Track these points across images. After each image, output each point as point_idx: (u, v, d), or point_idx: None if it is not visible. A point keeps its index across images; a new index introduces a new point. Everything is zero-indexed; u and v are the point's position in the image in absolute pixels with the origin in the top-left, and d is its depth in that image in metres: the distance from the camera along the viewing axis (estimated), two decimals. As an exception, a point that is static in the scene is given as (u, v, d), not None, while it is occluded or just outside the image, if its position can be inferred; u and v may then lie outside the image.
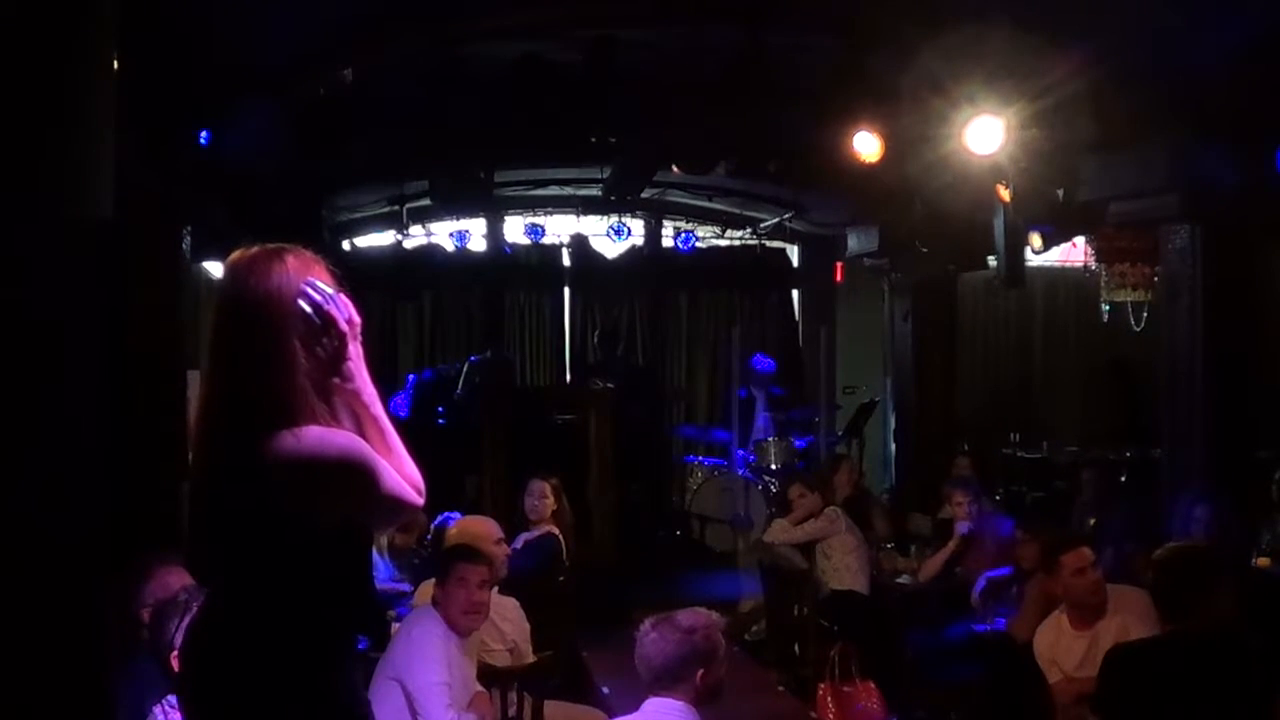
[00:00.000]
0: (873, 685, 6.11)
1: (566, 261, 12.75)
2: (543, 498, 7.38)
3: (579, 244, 12.63)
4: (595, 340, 12.30)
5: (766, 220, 12.48)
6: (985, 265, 9.78)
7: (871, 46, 6.87)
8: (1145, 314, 10.36)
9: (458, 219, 12.13)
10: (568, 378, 12.56)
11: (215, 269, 7.68)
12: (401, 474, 2.67)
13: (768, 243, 12.96)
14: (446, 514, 6.74)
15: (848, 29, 6.88)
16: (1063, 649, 5.30)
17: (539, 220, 12.39)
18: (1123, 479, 9.98)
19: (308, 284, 2.62)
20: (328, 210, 10.69)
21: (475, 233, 12.40)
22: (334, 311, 2.63)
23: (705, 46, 7.22)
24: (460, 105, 7.44)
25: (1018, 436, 11.68)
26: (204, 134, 5.97)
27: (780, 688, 6.98)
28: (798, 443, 10.61)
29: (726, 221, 12.92)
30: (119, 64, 3.35)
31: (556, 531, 7.34)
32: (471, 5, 6.60)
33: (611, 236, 12.37)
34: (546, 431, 9.40)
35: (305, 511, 2.56)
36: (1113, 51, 6.16)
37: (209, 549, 2.67)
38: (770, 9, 6.83)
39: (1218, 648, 4.25)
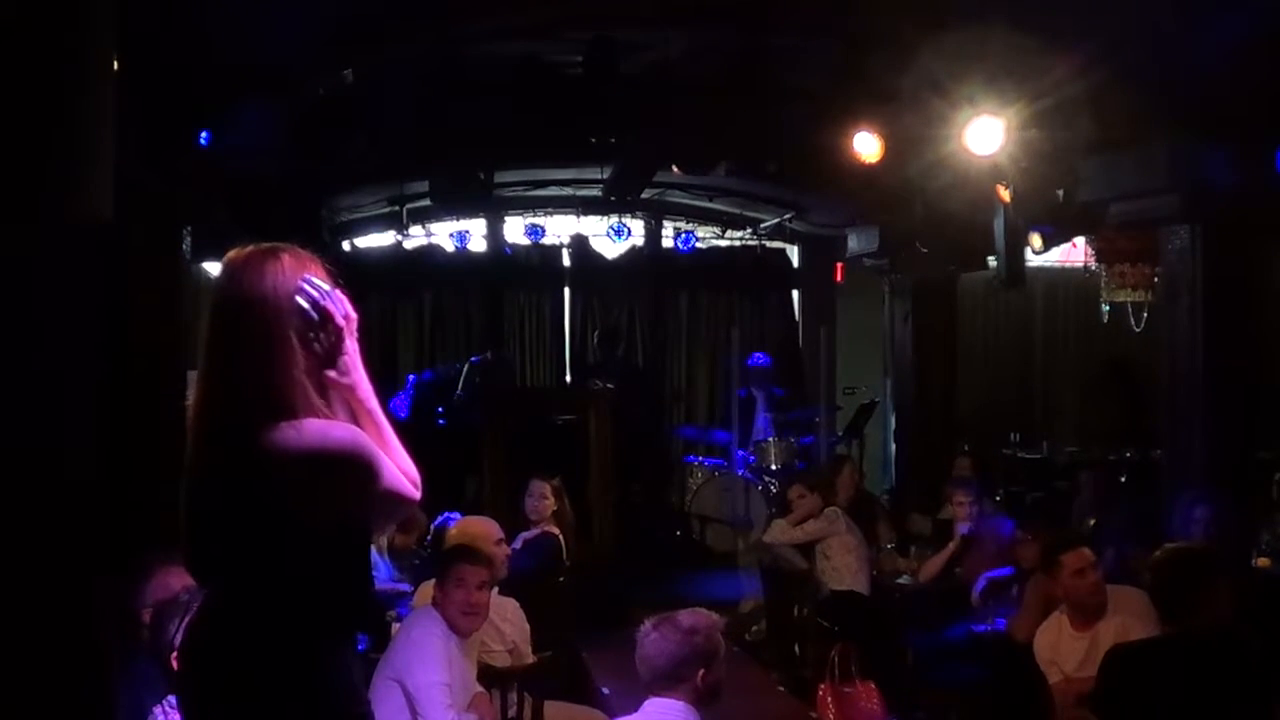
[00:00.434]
0: (873, 686, 6.11)
1: (566, 262, 12.74)
2: (543, 498, 7.38)
3: (579, 244, 12.63)
4: (595, 340, 12.30)
5: (767, 221, 12.48)
6: (985, 266, 9.78)
7: (872, 47, 6.87)
8: (1145, 314, 10.36)
9: (458, 219, 12.14)
10: (568, 378, 12.55)
11: (215, 269, 7.69)
12: (398, 468, 2.69)
13: (768, 243, 12.96)
14: (447, 514, 6.74)
15: (848, 30, 6.88)
16: (1063, 649, 5.30)
17: (539, 220, 12.39)
18: (1122, 479, 9.98)
19: (304, 280, 2.64)
20: (328, 210, 10.70)
21: (475, 233, 12.40)
22: (330, 306, 2.65)
23: (705, 47, 7.22)
24: (460, 105, 7.45)
25: (1017, 437, 11.68)
26: (204, 134, 5.98)
27: (780, 688, 7.00)
28: (798, 443, 10.61)
29: (726, 222, 12.92)
30: (119, 64, 3.35)
31: (557, 532, 7.34)
32: (471, 5, 6.59)
33: (611, 237, 12.37)
34: (546, 432, 9.40)
35: (306, 504, 2.57)
36: (1113, 51, 6.15)
37: (208, 548, 2.66)
38: (770, 10, 6.83)
39: (1217, 648, 4.25)
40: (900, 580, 7.81)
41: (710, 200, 12.35)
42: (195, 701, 2.69)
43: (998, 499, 9.37)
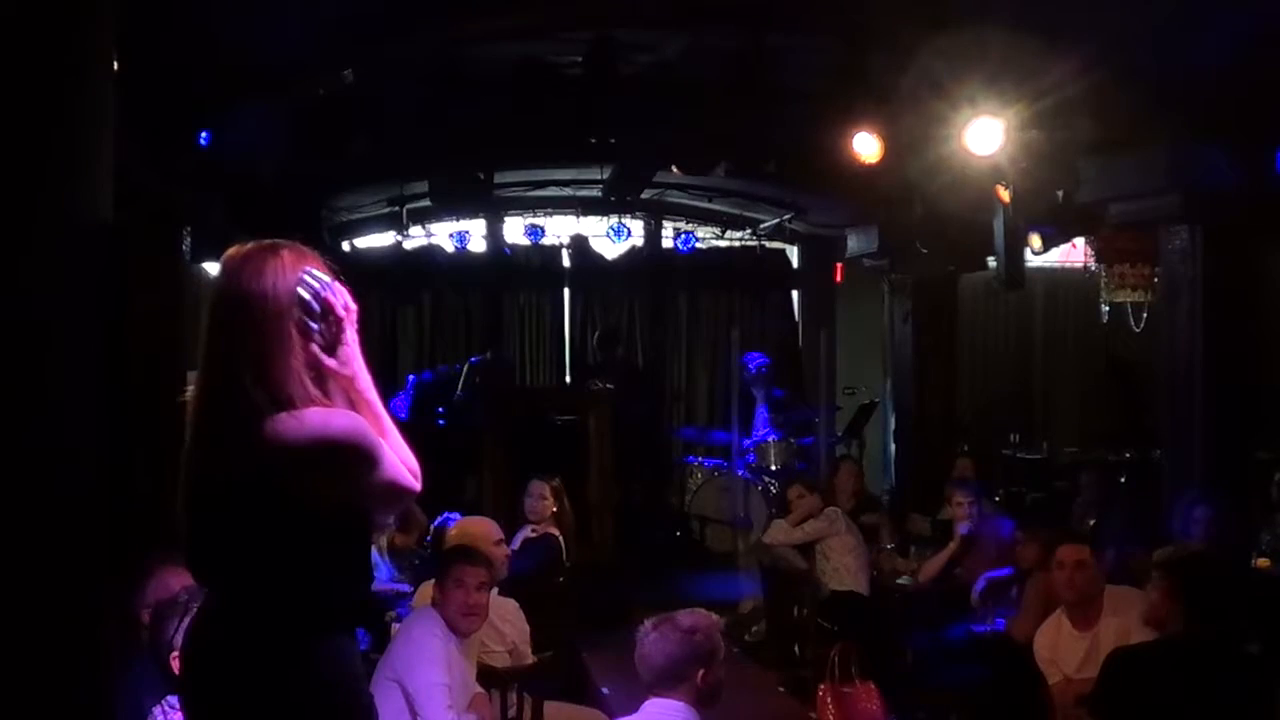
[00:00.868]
0: (873, 686, 6.10)
1: (566, 262, 12.74)
2: (543, 499, 7.38)
3: (579, 245, 12.63)
4: (595, 341, 12.30)
5: (766, 221, 12.48)
6: (985, 266, 9.78)
7: (871, 48, 6.87)
8: (1145, 315, 10.36)
9: (458, 220, 12.13)
10: (567, 378, 12.55)
11: (215, 269, 7.69)
12: (398, 458, 2.71)
13: (767, 243, 12.95)
14: (446, 515, 6.74)
15: (848, 30, 6.87)
16: (1063, 650, 5.31)
17: (539, 221, 12.39)
18: (1122, 480, 9.98)
19: (305, 272, 2.67)
20: (328, 211, 10.69)
21: (475, 233, 12.40)
22: (331, 297, 2.68)
23: (705, 47, 7.22)
24: (460, 106, 7.44)
25: (1017, 437, 11.68)
26: (204, 134, 5.98)
27: (780, 688, 7.00)
28: (798, 443, 10.61)
29: (726, 222, 12.91)
30: (119, 64, 3.35)
31: (556, 532, 7.33)
32: (472, 6, 6.59)
33: (611, 237, 12.37)
34: (546, 432, 9.39)
35: (309, 493, 2.58)
36: (1113, 51, 6.15)
37: (211, 544, 2.66)
38: (770, 10, 6.82)
39: (1217, 651, 4.26)
40: (900, 581, 7.81)
41: (710, 200, 12.35)
42: (197, 701, 2.69)
43: (998, 499, 9.37)
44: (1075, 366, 12.69)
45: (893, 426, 11.51)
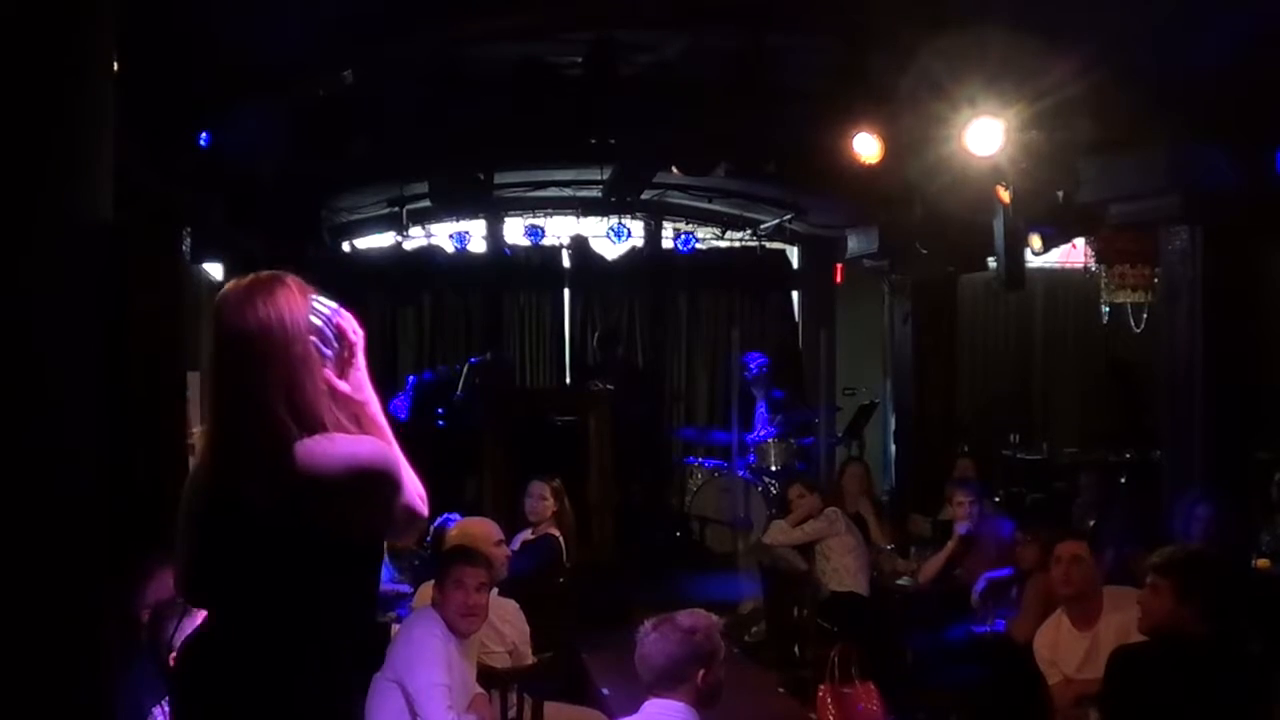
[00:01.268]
0: (873, 686, 6.10)
1: (566, 263, 12.74)
2: (542, 499, 7.38)
3: (579, 245, 12.63)
4: (595, 342, 12.29)
5: (766, 222, 12.48)
6: (985, 267, 9.78)
7: (871, 48, 6.86)
8: (1145, 315, 10.36)
9: (457, 220, 12.13)
10: (567, 379, 12.55)
11: (215, 269, 7.69)
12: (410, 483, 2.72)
13: (767, 244, 12.96)
14: (446, 515, 6.73)
15: (848, 30, 6.87)
16: (1063, 650, 5.31)
17: (539, 222, 12.39)
18: (1122, 480, 9.98)
19: (314, 299, 2.70)
20: (328, 211, 10.69)
21: (475, 234, 12.40)
22: (342, 323, 2.70)
23: (705, 47, 7.21)
24: (460, 106, 7.44)
25: (1017, 438, 11.67)
26: (204, 135, 5.97)
27: (780, 689, 6.99)
28: (798, 444, 10.61)
29: (726, 223, 12.92)
30: (119, 64, 3.35)
31: (556, 533, 7.33)
32: (472, 6, 6.59)
33: (611, 238, 12.38)
34: (546, 433, 9.39)
35: (336, 517, 2.57)
36: (1113, 52, 6.15)
37: (222, 571, 2.64)
38: (770, 10, 6.82)
39: (1218, 651, 4.26)
40: (900, 581, 7.81)
41: (710, 201, 12.35)
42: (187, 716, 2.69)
43: (998, 500, 9.37)
44: (1075, 367, 12.68)
45: (893, 427, 11.52)
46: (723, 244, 13.05)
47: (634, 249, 12.77)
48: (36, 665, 2.96)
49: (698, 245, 12.76)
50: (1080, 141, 7.12)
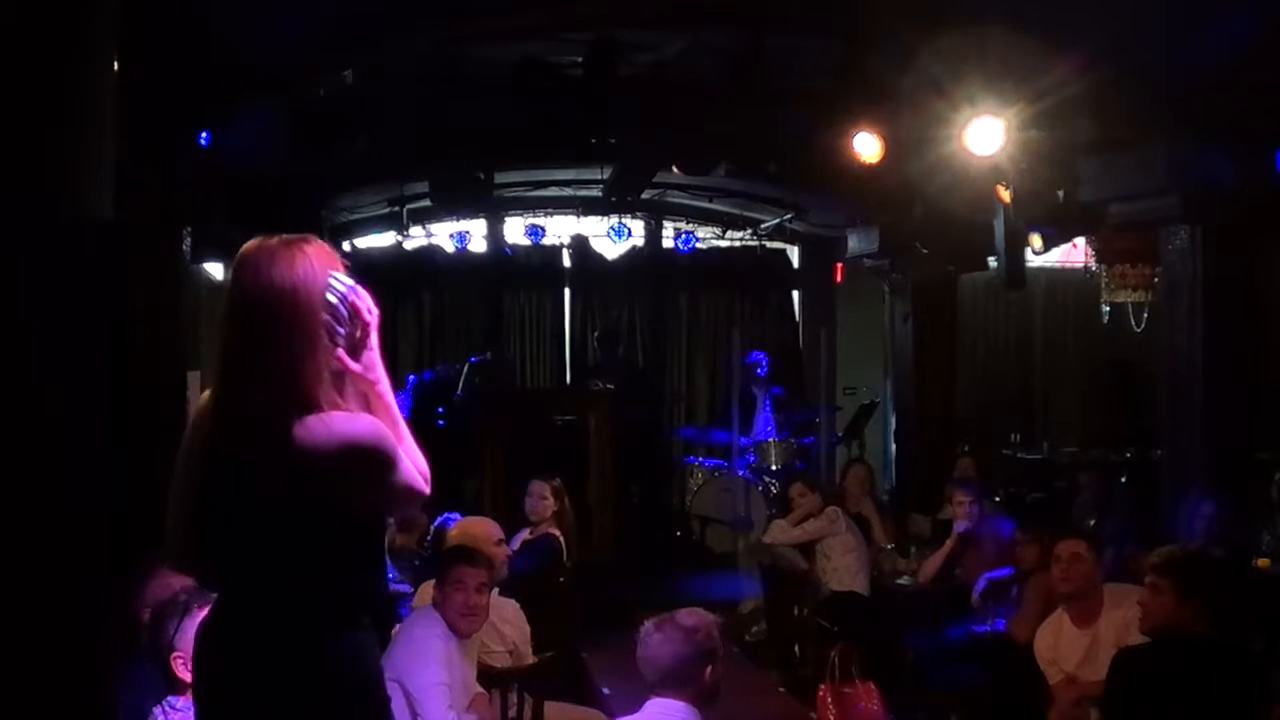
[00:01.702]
0: (873, 686, 6.11)
1: (567, 262, 12.75)
2: (543, 499, 7.37)
3: (579, 245, 12.63)
4: (595, 341, 12.30)
5: (767, 221, 12.48)
6: (986, 266, 9.78)
7: (872, 48, 6.86)
8: (1145, 315, 10.36)
9: (458, 220, 12.13)
10: (568, 379, 12.56)
11: (215, 269, 7.69)
12: (411, 462, 2.72)
13: (768, 244, 12.96)
14: (447, 515, 6.73)
15: (848, 30, 6.87)
16: (1063, 648, 5.31)
17: (539, 221, 12.39)
18: (1123, 480, 9.98)
19: (330, 275, 2.67)
20: (328, 211, 10.69)
21: (475, 234, 12.41)
22: (357, 301, 2.68)
23: (705, 47, 7.22)
24: (460, 106, 7.44)
25: (1018, 437, 11.67)
26: (204, 135, 5.97)
27: (780, 689, 7.00)
28: (799, 443, 10.62)
29: (727, 222, 12.92)
30: (119, 65, 3.35)
31: (557, 533, 7.33)
32: (472, 6, 6.59)
33: (612, 237, 12.38)
34: (546, 432, 9.40)
35: (334, 494, 2.59)
36: (1113, 51, 6.15)
37: (226, 545, 2.66)
38: (770, 10, 6.82)
39: (1219, 650, 4.26)
40: (900, 581, 7.81)
41: (710, 201, 12.35)
42: (217, 700, 2.69)
43: (998, 499, 9.37)
44: (1075, 367, 12.68)
45: (893, 426, 11.52)
46: (723, 244, 13.06)
47: (634, 249, 12.77)
48: (36, 665, 2.96)
49: (698, 245, 12.76)
50: (1080, 141, 7.13)
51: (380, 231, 12.37)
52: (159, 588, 3.93)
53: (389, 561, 7.06)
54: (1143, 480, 9.46)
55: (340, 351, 2.65)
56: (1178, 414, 7.36)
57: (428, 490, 2.75)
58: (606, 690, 6.32)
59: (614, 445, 9.31)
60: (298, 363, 2.60)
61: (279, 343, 2.60)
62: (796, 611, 7.42)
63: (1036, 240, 7.94)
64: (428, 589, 5.19)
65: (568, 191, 12.12)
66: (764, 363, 10.93)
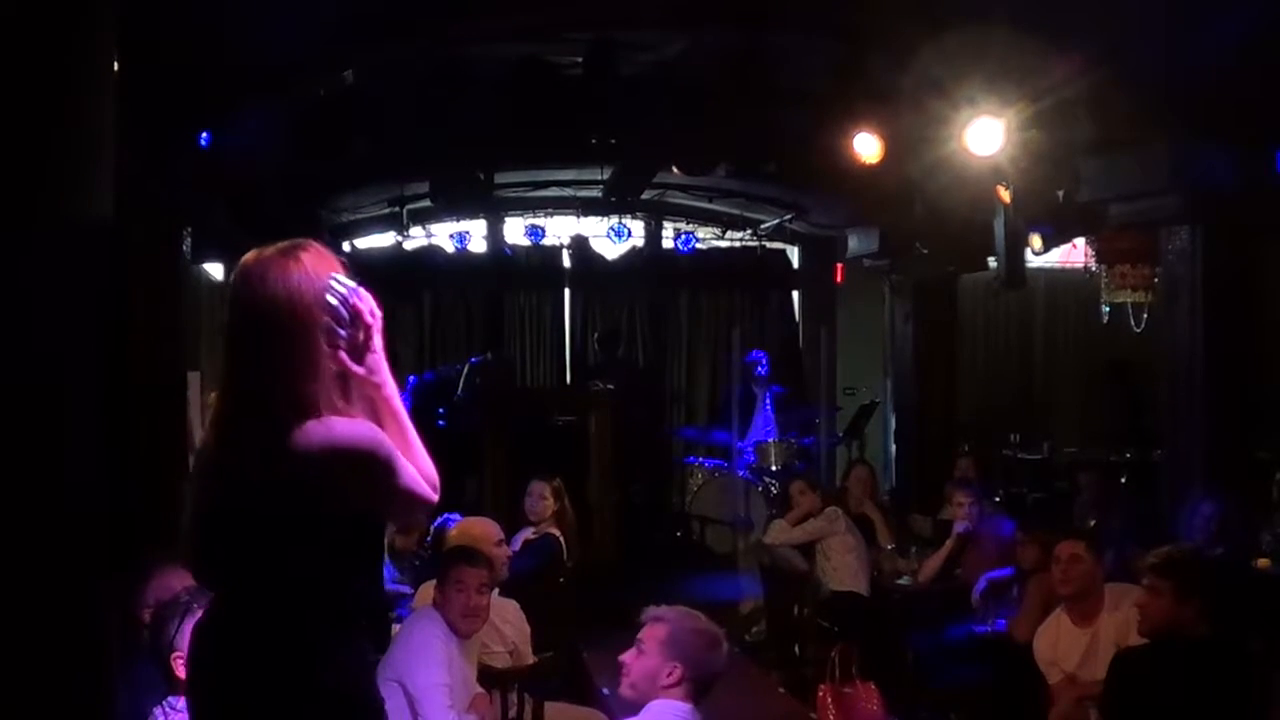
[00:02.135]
0: (873, 686, 6.10)
1: (567, 263, 12.74)
2: (543, 499, 7.37)
3: (579, 245, 12.63)
4: (595, 341, 12.30)
5: (767, 221, 12.48)
6: (986, 266, 9.78)
7: (872, 47, 6.87)
8: (1145, 315, 10.35)
9: (458, 220, 12.14)
10: (568, 379, 12.55)
11: (215, 269, 7.70)
12: (418, 468, 2.70)
13: (768, 244, 12.96)
14: (447, 515, 6.73)
15: (848, 30, 6.87)
16: (1063, 647, 5.31)
17: (539, 221, 12.39)
18: (1123, 480, 9.97)
19: (330, 277, 2.65)
20: (327, 211, 10.70)
21: (475, 234, 12.41)
22: (358, 303, 2.66)
23: (705, 47, 7.22)
24: (460, 106, 7.44)
25: (1018, 437, 11.67)
26: (204, 135, 5.98)
27: (781, 689, 6.98)
28: (799, 443, 10.61)
29: (727, 223, 12.92)
30: (119, 65, 3.35)
31: (557, 533, 7.32)
32: (472, 7, 6.59)
33: (612, 238, 12.38)
34: (547, 433, 9.40)
35: (332, 501, 2.58)
36: (1113, 51, 6.15)
37: (224, 549, 2.65)
38: (770, 10, 6.82)
39: (1219, 650, 4.26)
40: (900, 581, 7.80)
41: (710, 201, 12.35)
42: (211, 705, 2.69)
43: (998, 500, 9.37)
44: (1075, 366, 12.68)
45: (893, 426, 11.52)
46: (723, 244, 13.06)
47: (634, 249, 12.77)
48: (36, 665, 2.96)
49: (698, 245, 12.76)
50: (1080, 141, 7.12)
51: (380, 232, 12.37)
52: (160, 588, 3.93)
53: (389, 562, 7.06)
54: (1143, 480, 9.47)
55: (342, 354, 2.65)
56: (1178, 414, 7.35)
57: (435, 498, 2.72)
58: (606, 690, 6.31)
59: (614, 445, 9.31)
60: (296, 369, 2.59)
61: (275, 349, 2.60)
62: (797, 612, 7.42)
63: (1036, 240, 7.95)
64: (428, 589, 5.19)
65: (568, 192, 12.12)
66: (764, 362, 10.94)
